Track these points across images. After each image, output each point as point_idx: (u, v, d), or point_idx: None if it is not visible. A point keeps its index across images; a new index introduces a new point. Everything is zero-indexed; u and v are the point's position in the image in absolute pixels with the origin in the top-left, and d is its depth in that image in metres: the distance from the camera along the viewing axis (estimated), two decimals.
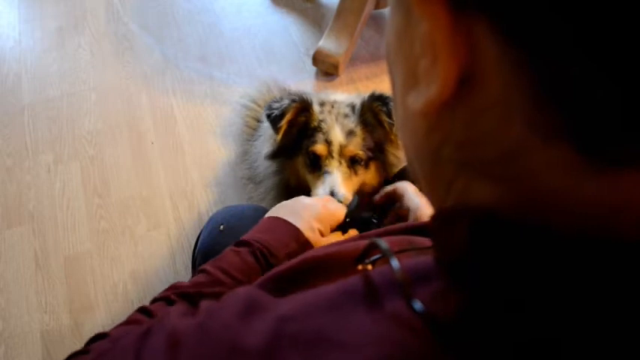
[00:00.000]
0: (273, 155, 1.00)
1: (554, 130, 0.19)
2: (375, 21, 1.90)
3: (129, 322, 0.51)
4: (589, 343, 0.20)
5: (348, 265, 0.36)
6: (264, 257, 0.62)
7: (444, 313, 0.23)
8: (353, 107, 0.94)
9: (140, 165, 1.57)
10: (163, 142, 1.62)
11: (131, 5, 1.99)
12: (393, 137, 0.92)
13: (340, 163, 0.91)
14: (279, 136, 0.93)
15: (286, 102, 0.92)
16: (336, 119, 0.92)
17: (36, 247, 1.40)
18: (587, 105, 0.18)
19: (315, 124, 0.93)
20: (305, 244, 0.66)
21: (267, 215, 0.72)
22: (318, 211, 0.71)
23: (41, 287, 1.33)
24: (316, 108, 0.95)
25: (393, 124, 0.89)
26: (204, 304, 0.34)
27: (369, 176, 0.97)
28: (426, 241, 0.41)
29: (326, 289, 0.30)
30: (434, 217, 0.27)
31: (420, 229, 0.51)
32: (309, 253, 0.44)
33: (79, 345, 0.69)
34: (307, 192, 0.95)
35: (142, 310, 0.53)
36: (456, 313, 0.23)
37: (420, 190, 0.29)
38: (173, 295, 0.55)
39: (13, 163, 1.56)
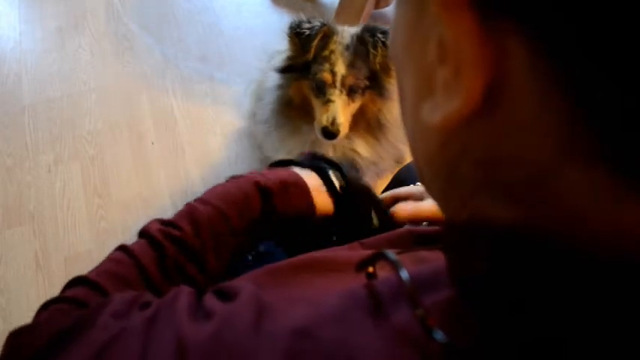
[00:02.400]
0: (284, 70, 1.09)
1: (588, 151, 0.17)
2: (375, 21, 1.89)
3: (110, 259, 0.50)
4: None
5: (347, 268, 0.35)
6: (265, 196, 0.54)
7: (460, 335, 0.22)
8: (352, 37, 1.03)
9: (140, 165, 1.57)
10: (163, 142, 1.62)
11: (131, 5, 1.99)
12: (379, 66, 1.01)
13: (341, 92, 1.02)
14: (311, 55, 1.01)
15: (318, 24, 1.00)
16: (341, 52, 1.01)
17: (36, 248, 1.40)
18: (623, 125, 0.16)
19: (327, 53, 1.02)
20: (312, 205, 0.57)
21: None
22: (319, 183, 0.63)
23: (42, 287, 1.34)
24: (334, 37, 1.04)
25: (376, 55, 0.97)
26: (214, 305, 0.32)
27: (365, 103, 1.07)
28: (430, 254, 0.39)
29: (331, 296, 0.29)
30: (447, 229, 0.26)
31: (424, 236, 0.49)
32: (307, 254, 0.43)
33: None
34: (309, 112, 1.09)
35: (123, 248, 0.51)
36: (475, 339, 0.22)
37: (430, 194, 0.28)
38: (159, 235, 0.53)
39: (14, 164, 1.57)
